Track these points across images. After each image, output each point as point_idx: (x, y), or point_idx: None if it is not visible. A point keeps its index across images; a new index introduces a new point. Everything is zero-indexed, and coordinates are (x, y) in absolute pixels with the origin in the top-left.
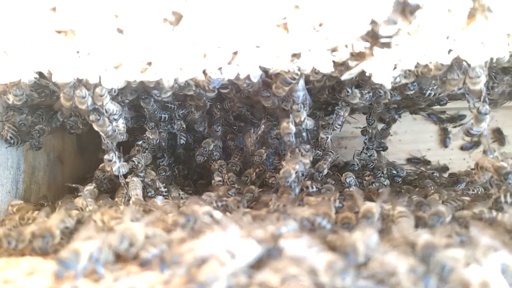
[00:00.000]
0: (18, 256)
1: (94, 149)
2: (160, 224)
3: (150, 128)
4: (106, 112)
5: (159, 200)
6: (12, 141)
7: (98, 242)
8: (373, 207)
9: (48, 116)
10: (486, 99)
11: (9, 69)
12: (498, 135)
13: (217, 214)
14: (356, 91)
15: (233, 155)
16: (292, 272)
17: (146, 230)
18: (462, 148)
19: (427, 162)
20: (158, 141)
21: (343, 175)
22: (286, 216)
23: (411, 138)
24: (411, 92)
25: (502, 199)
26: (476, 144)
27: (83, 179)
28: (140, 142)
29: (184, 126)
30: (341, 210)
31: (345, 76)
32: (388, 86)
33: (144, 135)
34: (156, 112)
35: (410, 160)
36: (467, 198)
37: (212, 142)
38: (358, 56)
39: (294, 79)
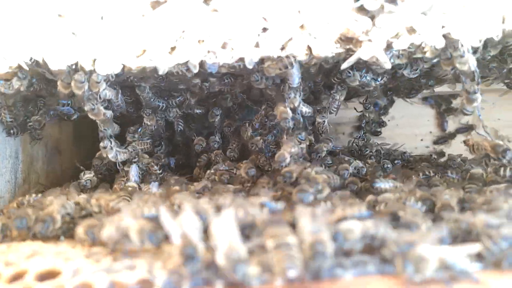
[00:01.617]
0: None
1: (91, 138)
2: None
3: (147, 114)
4: (100, 98)
5: (154, 186)
6: (12, 131)
7: None
8: None
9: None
10: (479, 79)
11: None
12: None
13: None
14: (357, 73)
15: (231, 142)
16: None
17: None
18: (457, 130)
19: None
20: (155, 127)
21: (339, 167)
22: None
23: (408, 122)
24: (405, 73)
25: (502, 173)
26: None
27: (80, 168)
28: (133, 128)
29: (179, 113)
30: None
31: (345, 65)
32: (388, 66)
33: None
34: (152, 100)
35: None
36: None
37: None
38: (348, 42)
39: (291, 64)
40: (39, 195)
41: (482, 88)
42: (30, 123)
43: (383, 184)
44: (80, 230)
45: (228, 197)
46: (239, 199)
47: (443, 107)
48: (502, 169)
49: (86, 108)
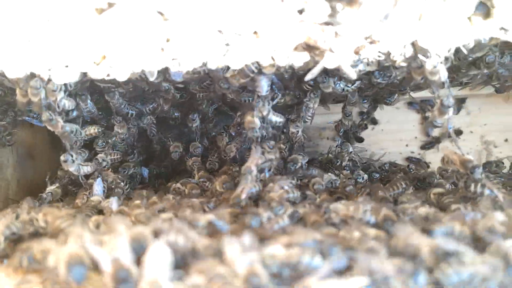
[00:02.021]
0: None
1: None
2: None
3: (118, 122)
4: (59, 107)
5: (114, 202)
6: None
7: None
8: None
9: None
10: (450, 90)
11: None
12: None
13: None
14: (331, 79)
15: (210, 153)
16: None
17: None
18: (421, 147)
19: (426, 165)
20: (127, 135)
21: (312, 181)
22: None
23: (393, 128)
24: (378, 80)
25: (472, 189)
26: (437, 140)
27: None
28: (101, 139)
29: (153, 119)
30: None
31: (308, 76)
32: (353, 76)
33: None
34: (122, 107)
35: (409, 159)
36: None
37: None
38: (311, 50)
39: (253, 72)
40: None
41: (467, 93)
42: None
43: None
44: (14, 256)
45: (171, 220)
46: (180, 222)
47: (428, 112)
48: (473, 184)
49: (43, 118)
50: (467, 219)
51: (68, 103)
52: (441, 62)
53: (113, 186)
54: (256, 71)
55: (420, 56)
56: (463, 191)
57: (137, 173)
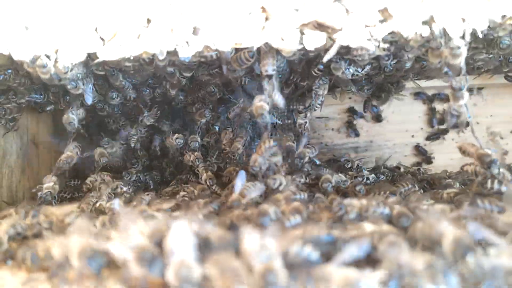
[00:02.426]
0: None
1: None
2: None
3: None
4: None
5: (115, 204)
6: None
7: None
8: None
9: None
10: (466, 75)
11: None
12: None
13: None
14: (343, 62)
15: (210, 154)
16: None
17: None
18: (427, 138)
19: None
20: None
21: (321, 179)
22: None
23: (399, 118)
24: (387, 63)
25: (489, 185)
26: (443, 132)
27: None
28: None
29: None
30: None
31: (326, 57)
32: (373, 48)
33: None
34: (126, 89)
35: (417, 148)
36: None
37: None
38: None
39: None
40: None
41: (473, 83)
42: (3, 115)
43: None
44: (18, 253)
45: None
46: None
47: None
48: (489, 181)
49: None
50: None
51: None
52: (465, 45)
53: (116, 192)
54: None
55: (440, 36)
56: (479, 188)
57: (141, 180)
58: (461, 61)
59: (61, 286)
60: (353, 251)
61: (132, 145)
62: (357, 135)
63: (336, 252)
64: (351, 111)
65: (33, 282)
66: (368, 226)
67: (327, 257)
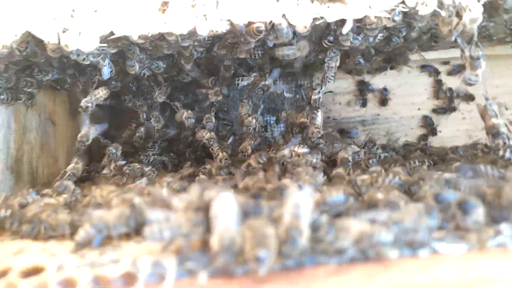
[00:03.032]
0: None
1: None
2: None
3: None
4: None
5: (144, 181)
6: (2, 96)
7: None
8: None
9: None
10: (478, 43)
11: None
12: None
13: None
14: (350, 33)
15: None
16: None
17: None
18: (433, 110)
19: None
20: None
21: (339, 157)
22: None
23: (405, 91)
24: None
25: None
26: (451, 109)
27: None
28: None
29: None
30: None
31: (346, 29)
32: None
33: None
34: (145, 63)
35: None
36: None
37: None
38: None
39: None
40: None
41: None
42: (23, 87)
43: None
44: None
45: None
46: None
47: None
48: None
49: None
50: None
51: None
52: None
53: (139, 174)
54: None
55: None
56: (486, 157)
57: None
58: (475, 28)
59: (107, 252)
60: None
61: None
62: (364, 105)
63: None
64: (362, 83)
65: (82, 250)
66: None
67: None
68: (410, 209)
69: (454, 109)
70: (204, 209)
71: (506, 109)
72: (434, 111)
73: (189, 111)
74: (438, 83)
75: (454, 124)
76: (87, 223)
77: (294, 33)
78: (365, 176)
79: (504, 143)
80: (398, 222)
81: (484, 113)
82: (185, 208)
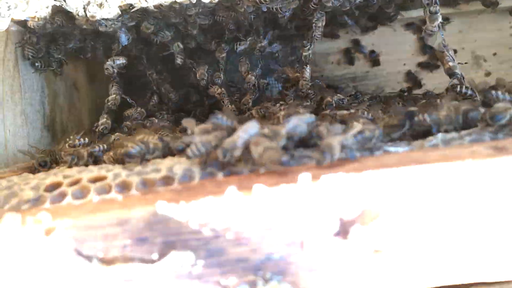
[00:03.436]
0: None
1: (104, 78)
2: None
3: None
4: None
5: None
6: (36, 64)
7: None
8: None
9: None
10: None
11: None
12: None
13: None
14: None
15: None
16: None
17: None
18: (418, 64)
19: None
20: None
21: (324, 101)
22: None
23: (391, 49)
24: None
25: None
26: (434, 66)
27: (97, 104)
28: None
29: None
30: None
31: None
32: None
33: None
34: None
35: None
36: None
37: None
38: None
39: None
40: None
41: (453, 12)
42: (54, 55)
43: None
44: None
45: None
46: None
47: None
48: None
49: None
50: None
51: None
52: None
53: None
54: None
55: None
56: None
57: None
58: None
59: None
60: None
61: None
62: (351, 63)
63: None
64: (355, 42)
65: (130, 166)
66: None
67: None
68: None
69: (437, 67)
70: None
71: (485, 61)
72: (419, 65)
73: (205, 68)
74: (422, 40)
75: (439, 77)
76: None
77: None
78: (344, 112)
79: (460, 82)
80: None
81: (442, 58)
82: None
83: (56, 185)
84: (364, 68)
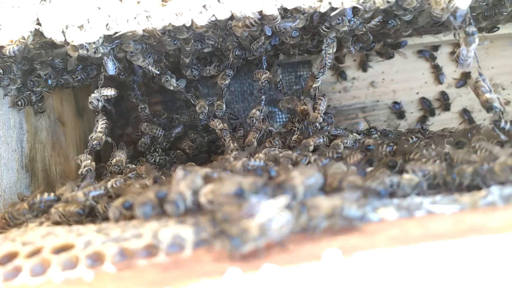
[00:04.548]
0: None
1: (92, 112)
2: None
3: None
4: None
5: None
6: (19, 102)
7: None
8: None
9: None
10: (471, 20)
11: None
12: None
13: None
14: (345, 18)
15: (237, 130)
16: None
17: None
18: (457, 86)
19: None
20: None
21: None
22: None
23: (403, 77)
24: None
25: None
26: (467, 76)
27: (84, 140)
28: None
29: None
30: None
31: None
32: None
33: None
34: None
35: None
36: None
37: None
38: None
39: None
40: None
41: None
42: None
43: None
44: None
45: None
46: None
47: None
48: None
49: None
50: None
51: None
52: None
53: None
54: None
55: None
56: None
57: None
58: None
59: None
60: None
61: None
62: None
63: None
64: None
65: (105, 230)
66: None
67: None
68: None
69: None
70: None
71: (503, 89)
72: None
73: (204, 101)
74: (436, 68)
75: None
76: None
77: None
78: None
79: (499, 117)
80: None
81: (476, 89)
82: None
83: (12, 256)
84: (374, 98)
